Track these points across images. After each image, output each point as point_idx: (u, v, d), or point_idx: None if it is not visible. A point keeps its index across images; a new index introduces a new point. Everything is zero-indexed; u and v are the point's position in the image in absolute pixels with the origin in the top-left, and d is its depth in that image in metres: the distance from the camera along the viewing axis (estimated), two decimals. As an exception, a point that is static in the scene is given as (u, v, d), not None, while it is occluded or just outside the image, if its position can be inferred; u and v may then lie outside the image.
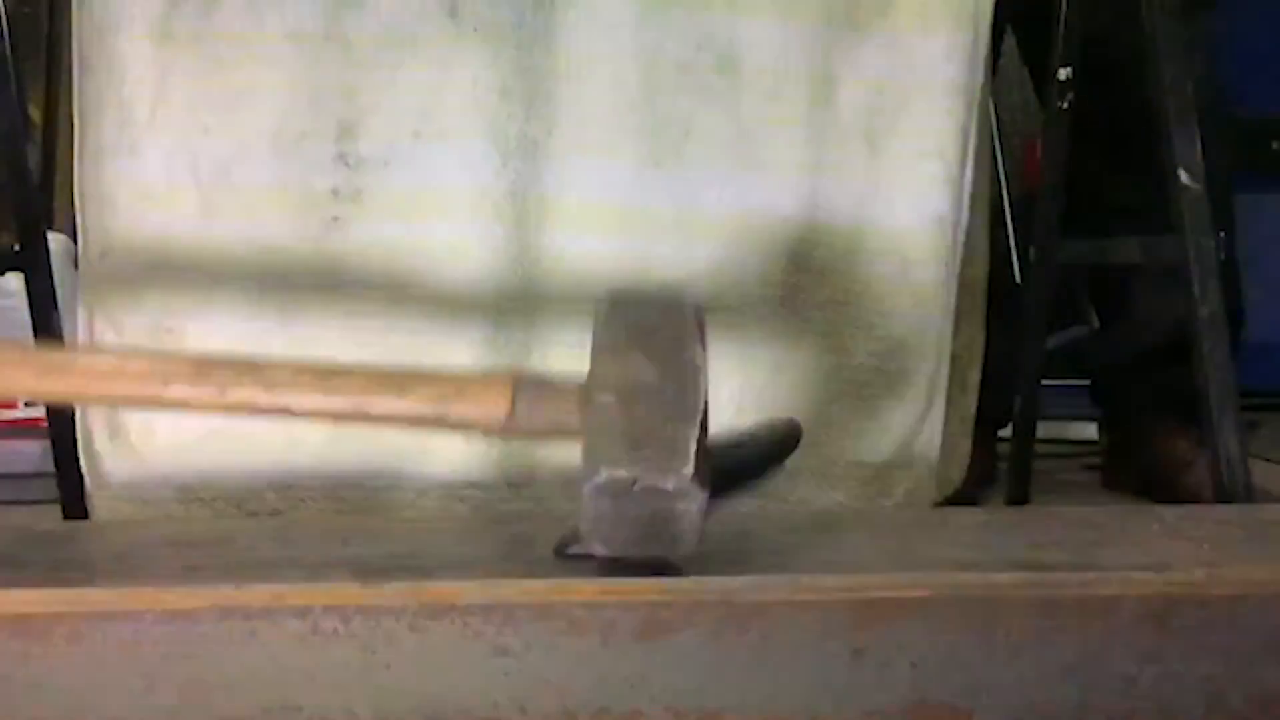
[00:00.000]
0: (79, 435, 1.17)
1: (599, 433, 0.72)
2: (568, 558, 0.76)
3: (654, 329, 0.76)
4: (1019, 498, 1.44)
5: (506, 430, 0.76)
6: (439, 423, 0.77)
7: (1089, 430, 1.99)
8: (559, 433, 0.76)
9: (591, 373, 0.75)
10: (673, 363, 0.74)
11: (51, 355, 0.87)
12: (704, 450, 0.71)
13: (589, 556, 0.73)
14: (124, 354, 0.90)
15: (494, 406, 0.76)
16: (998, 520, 1.07)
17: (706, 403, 0.73)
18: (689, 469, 0.70)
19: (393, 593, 0.71)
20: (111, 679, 0.70)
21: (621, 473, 0.70)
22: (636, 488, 0.70)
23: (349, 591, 0.71)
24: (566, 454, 1.13)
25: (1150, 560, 0.81)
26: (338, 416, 0.78)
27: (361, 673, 0.70)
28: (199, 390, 0.76)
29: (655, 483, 0.70)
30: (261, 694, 0.70)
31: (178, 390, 0.77)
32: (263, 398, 0.77)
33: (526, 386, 0.76)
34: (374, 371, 0.78)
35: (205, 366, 0.77)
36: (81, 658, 0.70)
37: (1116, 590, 0.75)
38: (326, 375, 0.78)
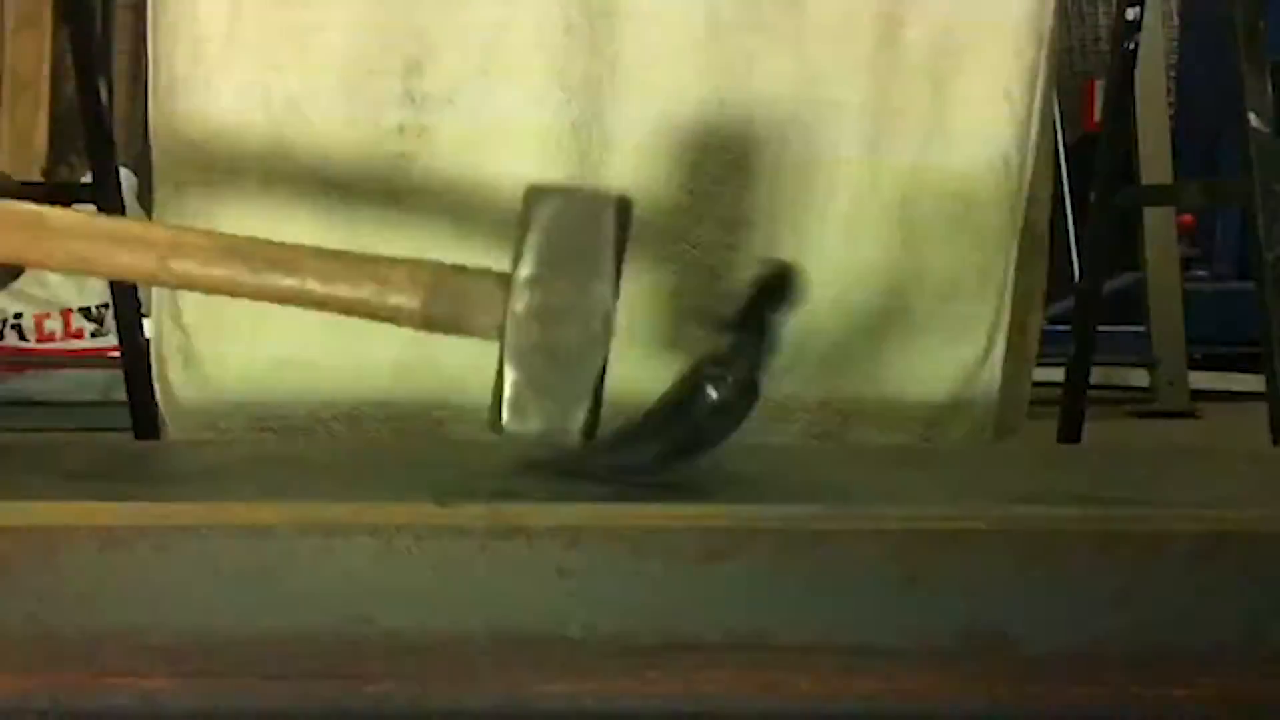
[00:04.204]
0: (154, 364, 1.20)
1: (515, 359, 0.77)
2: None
3: (577, 245, 0.77)
4: (1071, 439, 1.45)
5: (421, 321, 0.78)
6: (364, 309, 0.78)
7: (1139, 376, 1.98)
8: (471, 332, 0.78)
9: (514, 282, 0.77)
10: (587, 294, 0.77)
11: (46, 214, 0.80)
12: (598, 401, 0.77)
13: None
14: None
15: (409, 297, 0.77)
16: (1053, 456, 1.07)
17: (609, 343, 0.77)
18: (576, 429, 0.77)
19: (464, 515, 0.73)
20: (193, 590, 0.73)
21: (517, 428, 0.78)
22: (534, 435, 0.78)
23: (423, 511, 0.73)
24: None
25: (1204, 497, 0.82)
26: (275, 295, 0.79)
27: (433, 590, 0.73)
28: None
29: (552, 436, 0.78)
30: (336, 608, 0.73)
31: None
32: (198, 272, 0.79)
33: (446, 280, 0.77)
34: (314, 252, 0.79)
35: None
36: (164, 569, 0.72)
37: (1169, 525, 0.76)
38: (267, 254, 0.79)
